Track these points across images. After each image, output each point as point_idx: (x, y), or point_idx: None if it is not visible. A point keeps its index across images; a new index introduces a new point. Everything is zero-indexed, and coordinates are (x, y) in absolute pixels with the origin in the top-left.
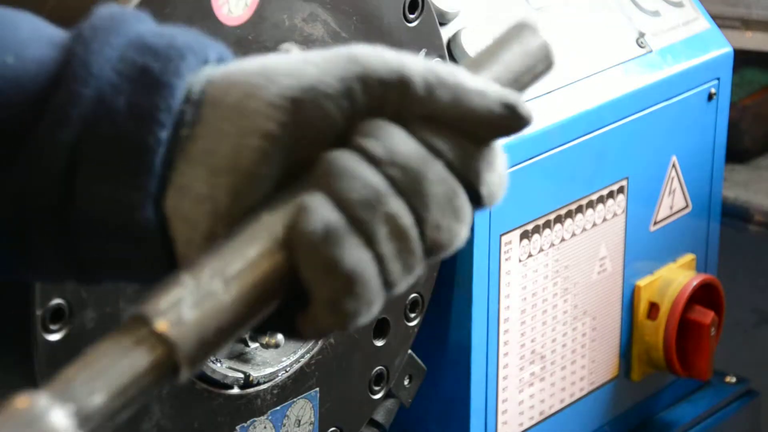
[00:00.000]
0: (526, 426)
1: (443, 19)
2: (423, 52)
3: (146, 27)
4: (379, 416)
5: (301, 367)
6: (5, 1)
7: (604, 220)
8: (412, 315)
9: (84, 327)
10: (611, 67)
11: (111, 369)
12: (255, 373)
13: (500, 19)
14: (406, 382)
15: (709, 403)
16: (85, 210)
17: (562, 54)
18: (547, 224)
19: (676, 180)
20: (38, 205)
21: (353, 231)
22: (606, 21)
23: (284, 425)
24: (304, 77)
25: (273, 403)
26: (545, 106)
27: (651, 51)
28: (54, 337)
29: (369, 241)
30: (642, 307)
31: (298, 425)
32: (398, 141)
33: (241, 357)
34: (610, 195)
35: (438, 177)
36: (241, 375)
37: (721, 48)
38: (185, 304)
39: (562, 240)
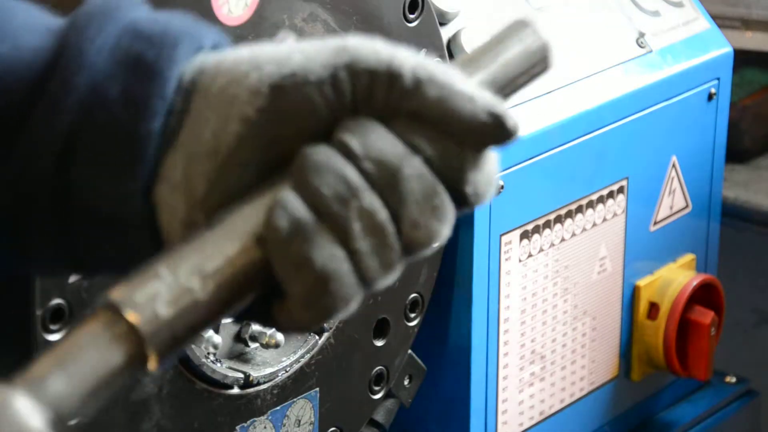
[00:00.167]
0: (526, 426)
1: (443, 19)
2: (423, 52)
3: (140, 13)
4: (379, 416)
5: (301, 367)
6: None
7: (604, 220)
8: (412, 315)
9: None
10: (611, 67)
11: (85, 365)
12: (255, 373)
13: (500, 18)
14: (406, 382)
15: (709, 403)
16: (80, 198)
17: (562, 54)
18: (547, 224)
19: (676, 180)
20: (34, 192)
21: (325, 226)
22: (606, 21)
23: (284, 425)
24: (288, 64)
25: (273, 403)
26: (545, 106)
27: (651, 51)
28: (54, 337)
29: (342, 236)
30: (642, 307)
31: (298, 425)
32: (376, 136)
33: (241, 357)
34: (610, 195)
35: (415, 173)
36: (241, 375)
37: (721, 48)
38: (161, 300)
39: (562, 240)
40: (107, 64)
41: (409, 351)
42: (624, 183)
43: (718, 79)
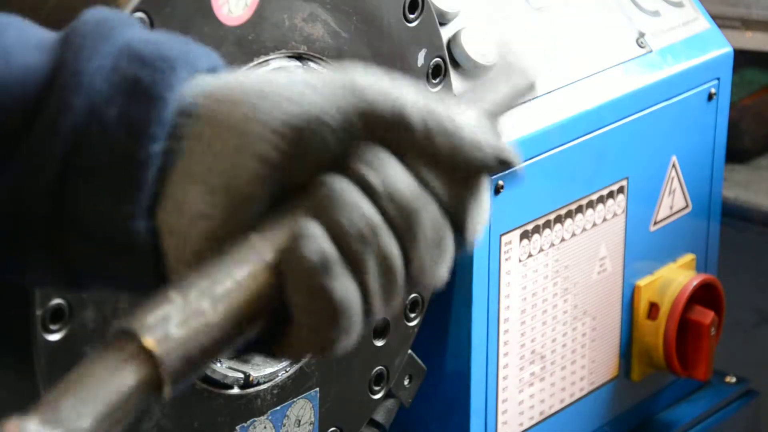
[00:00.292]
0: (526, 426)
1: (443, 19)
2: (423, 52)
3: (135, 33)
4: (379, 416)
5: (301, 367)
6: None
7: (604, 220)
8: (412, 315)
9: (84, 327)
10: (611, 67)
11: (98, 390)
12: (255, 373)
13: (500, 18)
14: (406, 382)
15: (709, 403)
16: (77, 219)
17: (562, 54)
18: (547, 224)
19: (676, 180)
20: (31, 211)
21: (345, 262)
22: (606, 21)
23: (284, 425)
24: (307, 105)
25: (273, 403)
26: (545, 106)
27: (651, 51)
28: (54, 337)
29: (359, 273)
30: (642, 307)
31: (298, 425)
32: (396, 175)
33: (241, 357)
34: (610, 195)
35: (431, 220)
36: (241, 375)
37: (721, 48)
38: (173, 322)
39: (562, 240)
40: (104, 86)
41: (409, 351)
42: (624, 183)
43: (718, 79)
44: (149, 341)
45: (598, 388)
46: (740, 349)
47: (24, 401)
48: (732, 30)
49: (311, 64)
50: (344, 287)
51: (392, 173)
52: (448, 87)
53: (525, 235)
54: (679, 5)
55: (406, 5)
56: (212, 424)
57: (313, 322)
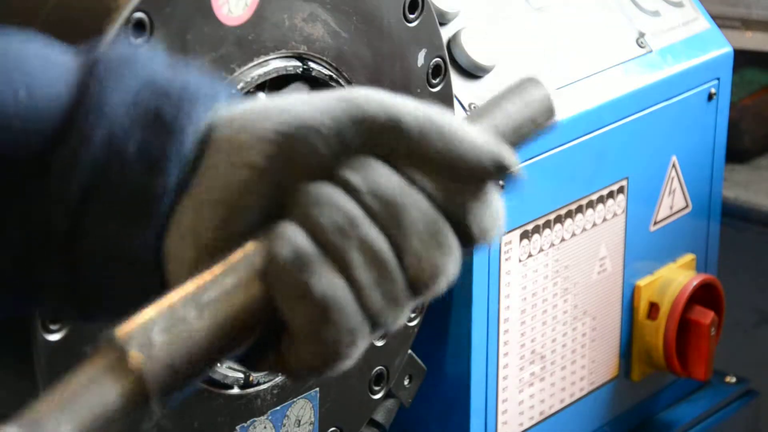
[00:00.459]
0: (526, 426)
1: (443, 19)
2: (423, 52)
3: (158, 65)
4: (379, 416)
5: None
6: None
7: (604, 220)
8: (412, 315)
9: (84, 327)
10: (611, 67)
11: (79, 401)
12: (255, 373)
13: (500, 18)
14: (406, 382)
15: (709, 403)
16: (91, 247)
17: (562, 54)
18: (547, 224)
19: (676, 180)
20: (47, 239)
21: (326, 257)
22: (606, 21)
23: (284, 425)
24: (295, 113)
25: (273, 403)
26: None
27: (651, 51)
28: (54, 337)
29: (342, 266)
30: (642, 307)
31: (298, 425)
32: (379, 173)
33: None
34: (610, 195)
35: (418, 208)
36: (241, 375)
37: (721, 48)
38: (156, 329)
39: (562, 240)
40: (126, 119)
41: (409, 351)
42: (624, 183)
43: (718, 79)
44: (131, 349)
45: (598, 388)
46: (740, 349)
47: (24, 401)
48: (732, 30)
49: (311, 64)
50: (326, 280)
51: (375, 172)
52: (448, 87)
53: (525, 235)
54: (679, 5)
55: (406, 5)
56: (212, 424)
57: (303, 322)
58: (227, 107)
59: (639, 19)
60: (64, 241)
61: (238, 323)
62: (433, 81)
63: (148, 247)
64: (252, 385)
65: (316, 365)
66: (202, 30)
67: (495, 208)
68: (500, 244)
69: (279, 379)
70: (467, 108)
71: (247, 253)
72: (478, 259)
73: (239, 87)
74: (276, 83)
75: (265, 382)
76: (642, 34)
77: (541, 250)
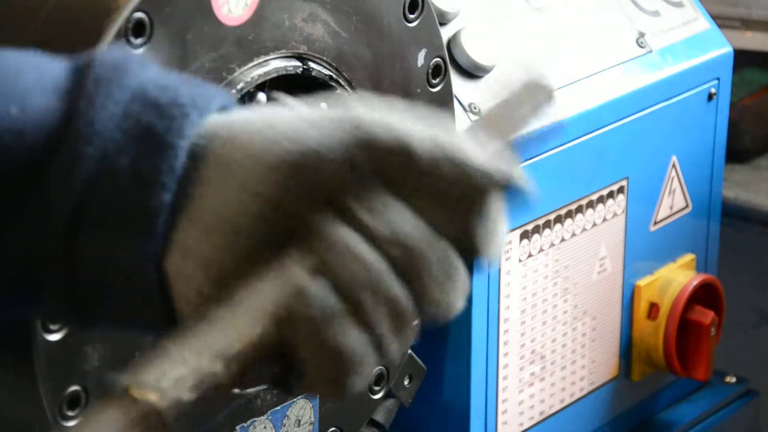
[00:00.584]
0: (526, 426)
1: (443, 19)
2: (423, 52)
3: (150, 76)
4: (379, 416)
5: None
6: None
7: (604, 220)
8: None
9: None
10: (611, 67)
11: None
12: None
13: (500, 18)
14: (406, 382)
15: (709, 403)
16: (88, 264)
17: (562, 54)
18: (547, 224)
19: (676, 180)
20: (42, 256)
21: (351, 313)
22: (606, 21)
23: (284, 425)
24: (304, 140)
25: (273, 403)
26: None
27: (651, 51)
28: (54, 337)
29: (366, 322)
30: (642, 307)
31: (298, 425)
32: (401, 219)
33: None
34: (610, 195)
35: (439, 257)
36: None
37: (721, 48)
38: (185, 384)
39: (562, 240)
40: (117, 134)
41: (409, 351)
42: (624, 183)
43: (718, 79)
44: (163, 404)
45: (598, 388)
46: (740, 349)
47: (24, 401)
48: (732, 30)
49: (311, 64)
50: (352, 339)
51: (396, 217)
52: (448, 87)
53: (525, 235)
54: (679, 5)
55: (406, 5)
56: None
57: (327, 375)
58: (221, 120)
59: (639, 19)
60: (62, 256)
61: (254, 367)
62: (433, 81)
63: (146, 262)
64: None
65: (324, 394)
66: (202, 30)
67: (500, 228)
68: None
69: None
70: (467, 108)
71: (263, 294)
72: (478, 260)
73: (239, 87)
74: (276, 83)
75: None
76: (642, 34)
77: (541, 250)
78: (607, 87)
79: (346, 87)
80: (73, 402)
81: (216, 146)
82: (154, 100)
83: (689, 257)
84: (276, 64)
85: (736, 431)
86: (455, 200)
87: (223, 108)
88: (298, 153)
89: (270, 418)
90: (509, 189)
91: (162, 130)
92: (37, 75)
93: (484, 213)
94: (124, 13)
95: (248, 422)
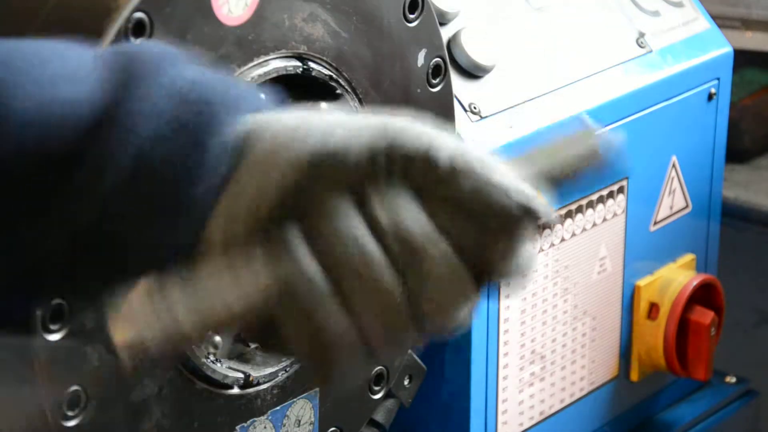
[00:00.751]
0: (526, 426)
1: (443, 19)
2: (423, 52)
3: (185, 74)
4: (379, 416)
5: (302, 367)
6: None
7: (604, 220)
8: None
9: (84, 327)
10: (611, 67)
11: None
12: (255, 373)
13: (500, 18)
14: (406, 382)
15: (709, 403)
16: (117, 255)
17: (562, 54)
18: (547, 224)
19: (676, 180)
20: (71, 245)
21: (339, 296)
22: (606, 21)
23: (284, 425)
24: (330, 139)
25: (273, 403)
26: (545, 106)
27: (651, 51)
28: (54, 337)
29: (353, 310)
30: (642, 307)
31: (298, 425)
32: (406, 213)
33: (241, 357)
34: (610, 195)
35: (441, 259)
36: (241, 375)
37: (721, 48)
38: (151, 331)
39: (562, 240)
40: (152, 131)
41: (409, 351)
42: (624, 183)
43: (718, 79)
44: (121, 341)
45: (597, 388)
46: (740, 349)
47: (24, 401)
48: (732, 30)
49: (311, 64)
50: (334, 321)
51: (403, 211)
52: (448, 87)
53: None
54: (679, 5)
55: (406, 5)
56: (212, 424)
57: (306, 354)
58: (258, 117)
59: (639, 19)
60: (88, 246)
61: (224, 329)
62: (433, 81)
63: (176, 261)
64: (252, 385)
65: (311, 366)
66: (202, 30)
67: (523, 257)
68: None
69: (279, 379)
70: (467, 108)
71: (256, 264)
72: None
73: None
74: (276, 83)
75: (265, 382)
76: (642, 34)
77: (541, 250)
78: (607, 87)
79: (346, 87)
80: (73, 402)
81: (249, 144)
82: (190, 98)
83: (689, 257)
84: (276, 64)
85: (736, 431)
86: (476, 215)
87: (258, 108)
88: (319, 150)
89: (270, 418)
90: (529, 215)
91: (197, 127)
92: (61, 60)
93: (507, 235)
94: (124, 13)
95: (248, 422)
